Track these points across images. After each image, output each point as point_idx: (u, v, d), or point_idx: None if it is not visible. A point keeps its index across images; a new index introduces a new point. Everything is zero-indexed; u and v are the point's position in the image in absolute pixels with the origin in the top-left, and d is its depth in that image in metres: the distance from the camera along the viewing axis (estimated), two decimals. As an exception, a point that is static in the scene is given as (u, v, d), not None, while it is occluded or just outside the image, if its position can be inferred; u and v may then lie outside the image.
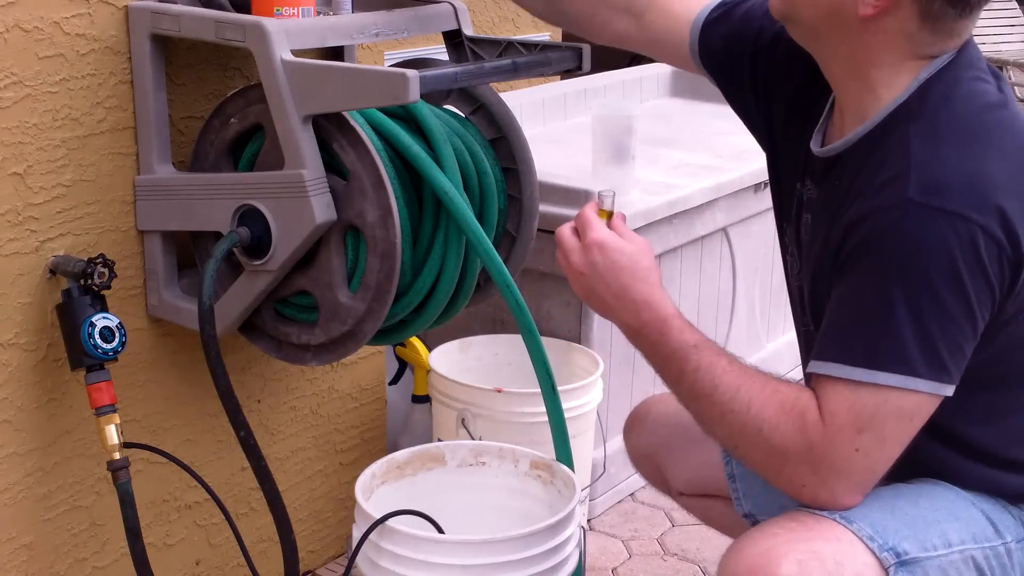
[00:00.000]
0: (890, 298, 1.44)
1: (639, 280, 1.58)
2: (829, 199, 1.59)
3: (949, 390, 1.47)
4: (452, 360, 2.63)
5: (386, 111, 2.02)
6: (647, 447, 2.08)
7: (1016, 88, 9.10)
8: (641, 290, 1.58)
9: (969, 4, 1.50)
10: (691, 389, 1.55)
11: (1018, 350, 1.57)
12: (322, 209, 1.89)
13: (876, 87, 1.56)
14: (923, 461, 1.60)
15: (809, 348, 1.77)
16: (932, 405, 1.48)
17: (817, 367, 1.50)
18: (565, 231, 1.63)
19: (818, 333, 1.55)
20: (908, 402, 1.46)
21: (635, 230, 2.74)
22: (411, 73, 1.76)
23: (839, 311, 1.50)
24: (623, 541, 2.82)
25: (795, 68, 1.72)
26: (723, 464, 1.92)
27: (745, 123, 1.89)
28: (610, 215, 1.65)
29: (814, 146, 1.66)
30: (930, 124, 1.50)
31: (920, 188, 1.43)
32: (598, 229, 1.60)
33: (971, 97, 1.53)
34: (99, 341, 1.92)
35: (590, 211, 1.63)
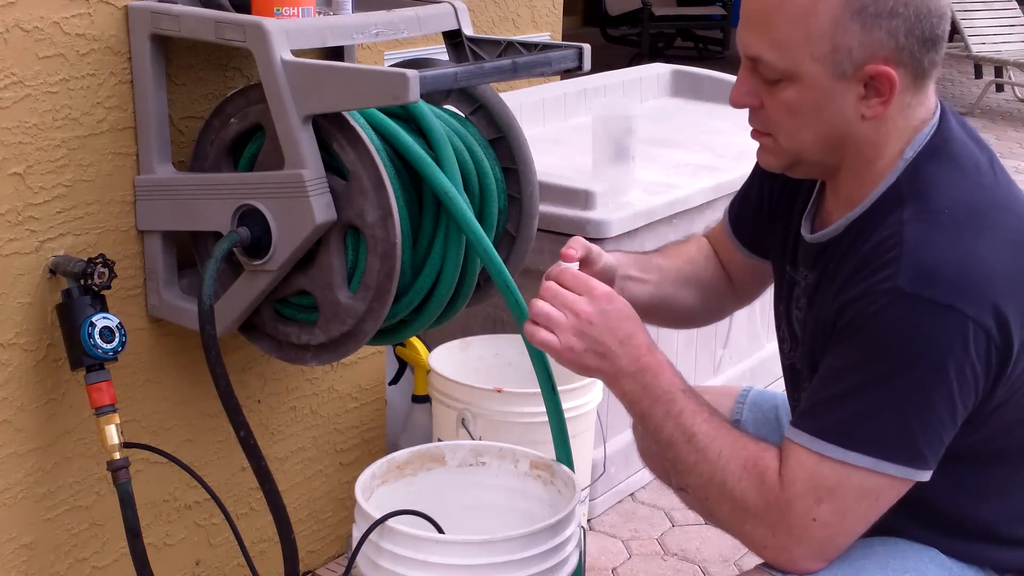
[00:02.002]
0: (872, 381, 1.43)
1: (640, 327, 1.59)
2: (822, 283, 1.58)
3: (923, 475, 1.45)
4: (452, 360, 2.63)
5: (386, 111, 2.02)
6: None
7: (1016, 88, 9.11)
8: (644, 336, 1.58)
9: (943, 39, 1.48)
10: (673, 433, 1.54)
11: (1011, 430, 1.54)
12: (322, 209, 1.89)
13: (868, 173, 1.54)
14: (905, 533, 1.58)
15: None
16: (902, 488, 1.46)
17: (791, 432, 1.49)
18: (553, 289, 1.60)
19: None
20: (873, 482, 1.44)
21: (635, 230, 2.75)
22: (411, 73, 1.76)
23: (821, 384, 1.49)
24: (623, 541, 2.82)
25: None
26: None
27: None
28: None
29: (804, 232, 1.65)
30: (923, 209, 1.47)
31: (911, 277, 1.41)
32: (599, 283, 1.60)
33: (962, 175, 1.51)
34: (99, 341, 1.92)
35: (580, 277, 1.62)
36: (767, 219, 1.80)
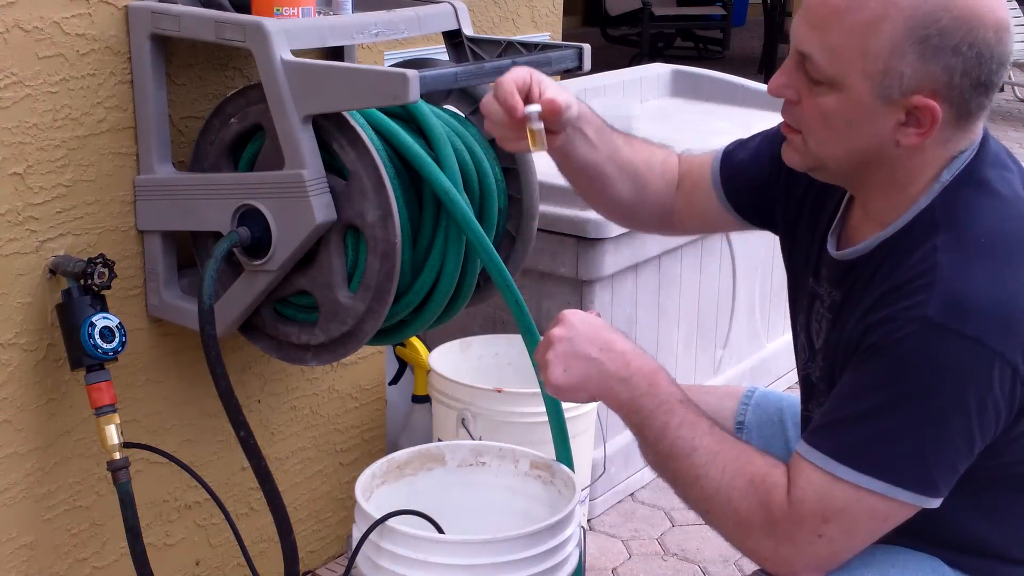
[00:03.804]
0: (892, 406, 1.41)
1: (618, 336, 1.57)
2: (848, 301, 1.55)
3: (934, 503, 1.44)
4: (452, 360, 2.63)
5: (386, 111, 2.02)
6: None
7: (1016, 88, 9.11)
8: (624, 342, 1.57)
9: (997, 86, 1.45)
10: (672, 446, 1.52)
11: None
12: (322, 209, 1.89)
13: (901, 195, 1.51)
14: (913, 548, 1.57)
15: None
16: (910, 512, 1.45)
17: (803, 449, 1.47)
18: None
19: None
20: (883, 506, 1.43)
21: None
22: (411, 73, 1.76)
23: (840, 403, 1.47)
24: (623, 541, 2.82)
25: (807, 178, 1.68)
26: None
27: (766, 227, 1.85)
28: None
29: (831, 249, 1.62)
30: (959, 237, 1.44)
31: (942, 307, 1.39)
32: (564, 312, 1.60)
33: (998, 202, 1.48)
34: (99, 341, 1.92)
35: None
36: (783, 206, 1.76)
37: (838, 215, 1.64)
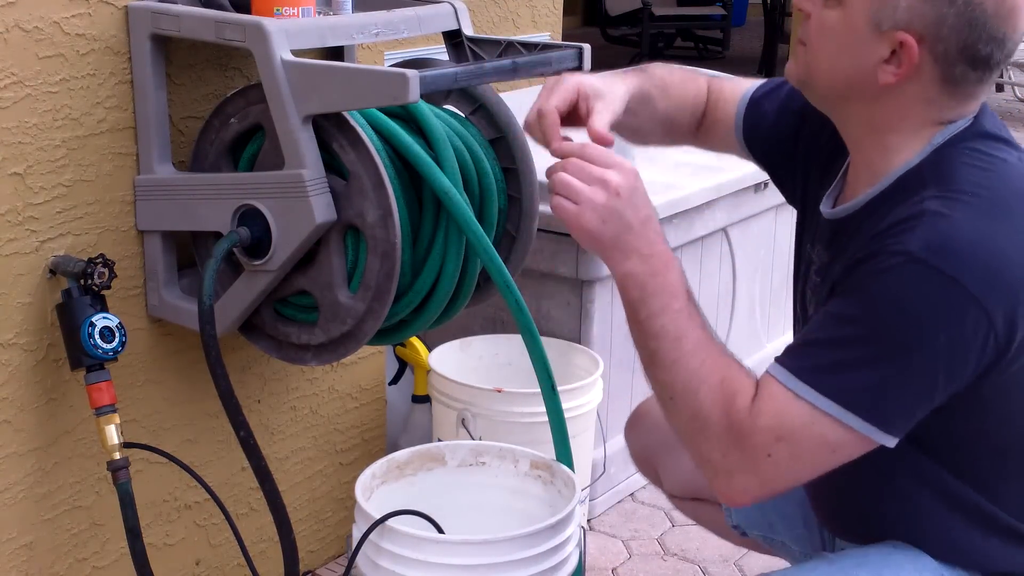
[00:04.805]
0: (861, 336, 1.43)
1: (654, 215, 1.56)
2: (835, 261, 1.58)
3: (888, 440, 1.45)
4: (452, 360, 2.63)
5: (386, 111, 2.02)
6: (645, 447, 2.08)
7: (1016, 88, 9.10)
8: (658, 223, 1.56)
9: (989, 66, 1.48)
10: (663, 327, 1.52)
11: (1015, 421, 1.54)
12: (322, 209, 1.89)
13: (891, 151, 1.54)
14: (910, 514, 1.58)
15: None
16: (861, 447, 1.46)
17: (771, 367, 1.50)
18: (578, 163, 1.53)
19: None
20: (836, 434, 1.44)
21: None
22: (411, 73, 1.76)
23: (813, 328, 1.50)
24: (623, 541, 2.82)
25: (825, 134, 1.70)
26: None
27: (781, 191, 1.87)
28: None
29: (824, 208, 1.64)
30: (948, 191, 1.47)
31: (925, 244, 1.40)
32: (624, 159, 1.55)
33: (991, 166, 1.50)
34: (99, 341, 1.92)
35: (612, 153, 1.56)
36: (802, 168, 1.78)
37: (837, 178, 1.66)
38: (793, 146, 1.79)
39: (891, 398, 1.43)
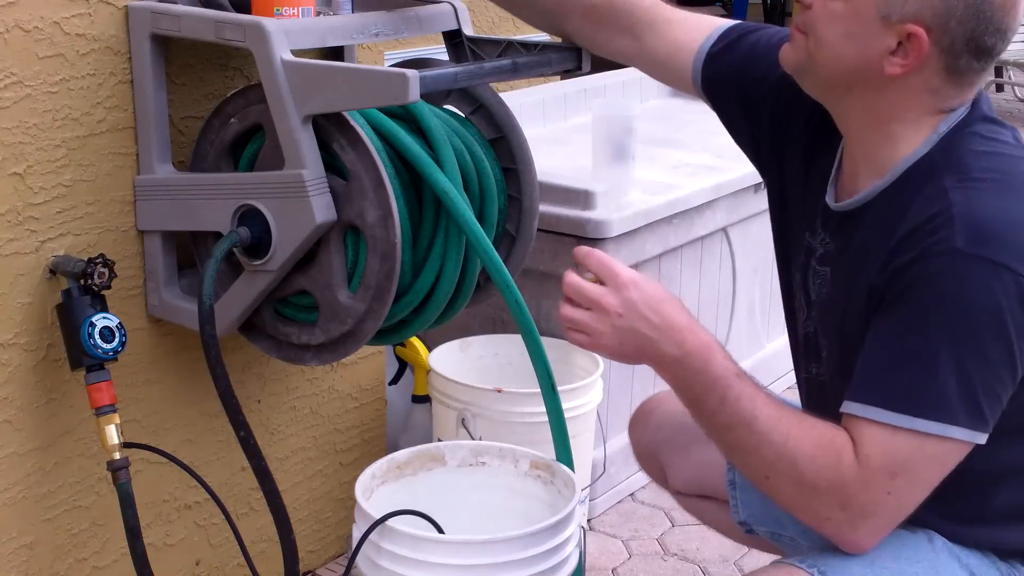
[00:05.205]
0: (933, 344, 1.43)
1: (677, 309, 1.54)
2: (848, 252, 1.57)
3: (982, 438, 1.46)
4: (452, 360, 2.63)
5: (386, 111, 2.02)
6: (650, 444, 2.08)
7: (1016, 88, 9.10)
8: (682, 318, 1.54)
9: (991, 56, 1.50)
10: (730, 418, 1.52)
11: None
12: (322, 209, 1.89)
13: (895, 141, 1.54)
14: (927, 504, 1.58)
15: (810, 394, 1.76)
16: (964, 451, 1.46)
17: (853, 408, 1.48)
18: (573, 286, 1.54)
19: (852, 374, 1.51)
20: (942, 449, 1.45)
21: (635, 230, 2.75)
22: (411, 73, 1.76)
23: (878, 353, 1.48)
24: (623, 541, 2.82)
25: (801, 115, 1.70)
26: (725, 469, 1.91)
27: (750, 157, 1.86)
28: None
29: (829, 200, 1.64)
30: (963, 177, 1.48)
31: (967, 238, 1.42)
32: (624, 268, 1.54)
33: (997, 148, 1.53)
34: (99, 341, 1.92)
35: (604, 262, 1.55)
36: (755, 105, 1.77)
37: (834, 167, 1.66)
38: (757, 117, 1.77)
39: (980, 395, 1.43)
